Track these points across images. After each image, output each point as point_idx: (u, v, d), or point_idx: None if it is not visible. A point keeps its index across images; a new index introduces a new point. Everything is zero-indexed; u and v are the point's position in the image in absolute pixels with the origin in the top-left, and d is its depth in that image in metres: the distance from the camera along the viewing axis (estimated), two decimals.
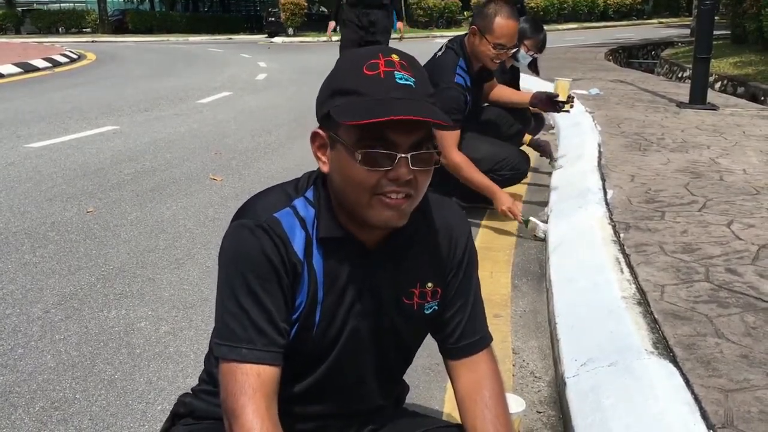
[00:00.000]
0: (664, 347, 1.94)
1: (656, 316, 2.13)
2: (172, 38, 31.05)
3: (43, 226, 3.71)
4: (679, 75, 11.65)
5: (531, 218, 3.43)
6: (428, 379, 2.12)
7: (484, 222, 3.73)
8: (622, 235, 2.90)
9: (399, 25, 6.75)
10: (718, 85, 9.67)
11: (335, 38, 8.09)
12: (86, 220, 3.81)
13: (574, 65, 11.51)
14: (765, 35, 11.31)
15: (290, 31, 30.64)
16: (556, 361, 2.16)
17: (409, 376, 1.44)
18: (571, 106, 3.93)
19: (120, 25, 36.93)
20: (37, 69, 13.50)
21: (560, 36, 22.91)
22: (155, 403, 2.02)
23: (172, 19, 40.23)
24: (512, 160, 3.67)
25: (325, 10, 37.79)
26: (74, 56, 16.83)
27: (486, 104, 4.01)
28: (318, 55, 17.40)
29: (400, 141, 1.07)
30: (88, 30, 38.20)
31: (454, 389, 1.32)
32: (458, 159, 3.42)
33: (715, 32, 7.21)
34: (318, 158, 1.15)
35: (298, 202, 1.18)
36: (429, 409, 1.96)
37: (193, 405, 1.32)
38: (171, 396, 2.00)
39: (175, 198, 4.28)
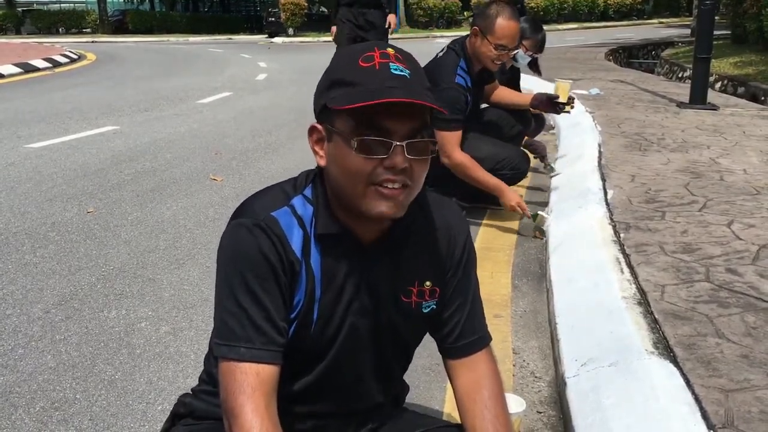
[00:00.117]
0: (664, 347, 1.94)
1: (656, 316, 2.13)
2: (172, 38, 31.06)
3: (44, 227, 3.71)
4: (680, 75, 11.65)
5: (539, 212, 3.45)
6: (428, 380, 2.12)
7: (484, 222, 3.72)
8: (622, 235, 2.90)
9: (390, 17, 6.52)
10: (718, 85, 9.67)
11: None
12: (86, 221, 3.81)
13: (575, 65, 11.51)
14: (765, 35, 11.31)
15: (290, 31, 30.64)
16: (557, 361, 2.16)
17: (409, 376, 1.44)
18: (572, 107, 3.93)
19: (120, 26, 36.93)
20: (37, 69, 13.51)
21: (560, 36, 22.91)
22: (155, 403, 2.02)
23: (172, 20, 40.23)
24: (513, 160, 3.68)
25: (325, 10, 37.84)
26: (74, 56, 16.83)
27: (486, 106, 4.02)
28: (318, 55, 17.39)
29: (395, 129, 1.07)
30: (88, 30, 38.21)
31: (453, 389, 1.32)
32: (462, 159, 3.43)
33: (715, 32, 7.21)
34: (315, 152, 1.16)
35: (297, 201, 1.19)
36: (429, 409, 1.95)
37: (193, 405, 1.32)
38: (171, 396, 2.00)
39: (175, 198, 4.28)
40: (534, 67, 4.51)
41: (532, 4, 34.48)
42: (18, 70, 12.79)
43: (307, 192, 1.20)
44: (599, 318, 2.24)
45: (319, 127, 1.15)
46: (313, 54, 18.37)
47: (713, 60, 7.78)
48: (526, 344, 2.39)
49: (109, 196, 4.32)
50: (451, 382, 1.33)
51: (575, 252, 2.90)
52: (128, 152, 5.64)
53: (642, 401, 1.70)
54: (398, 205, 1.12)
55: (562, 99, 3.85)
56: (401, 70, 1.09)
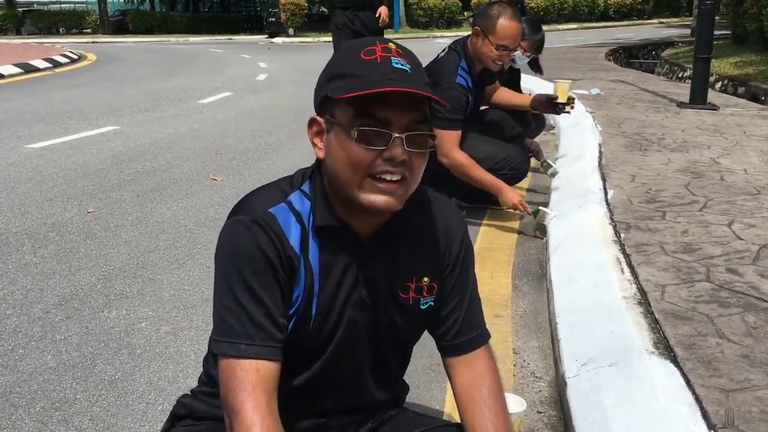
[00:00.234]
0: (664, 347, 1.94)
1: (657, 316, 2.13)
2: (173, 39, 31.06)
3: (44, 227, 3.71)
4: (680, 75, 11.64)
5: (540, 208, 3.47)
6: (429, 380, 2.12)
7: (484, 222, 3.72)
8: (622, 235, 2.90)
9: (382, 9, 6.24)
10: (718, 85, 9.66)
11: None
12: (87, 221, 3.81)
13: (575, 65, 11.51)
14: (766, 35, 11.30)
15: (290, 31, 30.63)
16: (557, 361, 2.16)
17: (409, 376, 1.44)
18: (572, 107, 3.93)
19: (120, 26, 36.92)
20: (37, 69, 13.51)
21: (561, 36, 22.91)
22: (156, 403, 2.02)
23: (173, 20, 40.22)
24: (512, 160, 3.68)
25: (326, 10, 37.77)
26: (75, 57, 16.83)
27: (486, 107, 4.02)
28: (318, 55, 17.39)
29: (394, 120, 1.08)
30: (89, 30, 38.20)
31: (452, 387, 1.32)
32: (461, 158, 3.43)
33: (715, 32, 7.21)
34: (314, 144, 1.17)
35: (294, 197, 1.19)
36: (429, 409, 1.95)
37: (193, 406, 1.32)
38: (171, 396, 2.00)
39: (175, 198, 4.28)
40: (535, 67, 4.51)
41: (533, 5, 34.47)
42: (18, 70, 12.80)
43: (305, 188, 1.20)
44: (600, 318, 2.24)
45: (319, 119, 1.15)
46: (314, 54, 18.36)
47: (713, 60, 7.78)
48: (527, 344, 2.39)
49: (109, 196, 4.32)
50: (450, 380, 1.33)
51: (576, 252, 2.90)
52: (128, 152, 5.64)
53: (642, 401, 1.70)
54: (396, 199, 1.12)
55: (562, 99, 3.86)
56: (402, 65, 1.10)
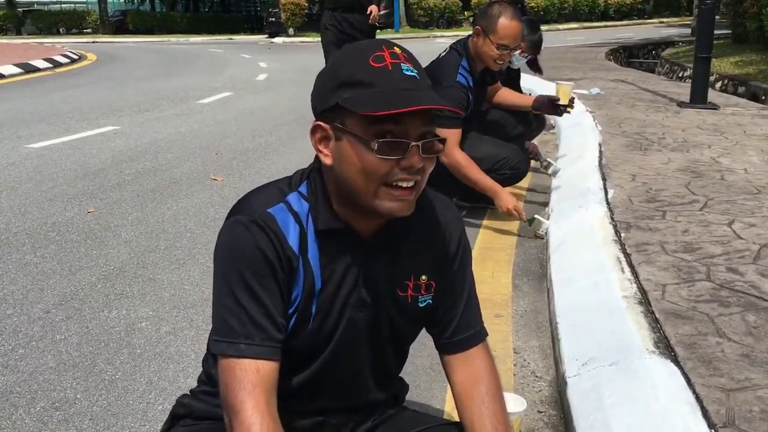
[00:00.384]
0: (665, 347, 1.94)
1: (657, 316, 2.12)
2: (173, 39, 31.05)
3: (44, 227, 3.71)
4: (680, 74, 11.64)
5: (536, 216, 3.43)
6: (429, 379, 2.12)
7: (484, 222, 3.72)
8: (623, 234, 2.89)
9: (372, 8, 6.14)
10: (718, 84, 9.66)
11: None
12: (87, 221, 3.81)
13: (575, 65, 11.50)
14: (766, 34, 11.30)
15: (291, 31, 30.61)
16: (557, 360, 2.16)
17: (410, 376, 1.45)
18: (572, 107, 3.93)
19: (120, 26, 36.91)
20: (37, 69, 13.51)
21: (561, 36, 22.90)
22: (156, 403, 2.02)
23: (173, 20, 40.21)
24: (512, 160, 3.68)
25: None
26: (75, 57, 16.83)
27: (486, 108, 4.02)
28: (318, 55, 17.36)
29: (410, 129, 1.08)
30: (89, 30, 38.20)
31: (450, 385, 1.32)
32: (460, 158, 3.42)
33: (715, 32, 7.20)
34: (319, 151, 1.15)
35: (292, 197, 1.19)
36: (430, 408, 1.95)
37: (192, 406, 1.32)
38: (172, 396, 2.00)
39: (175, 198, 4.28)
40: (534, 67, 4.51)
41: (533, 4, 34.46)
42: (19, 70, 12.79)
43: (303, 189, 1.20)
44: (600, 317, 2.24)
45: (325, 125, 1.13)
46: (314, 54, 18.33)
47: (714, 59, 7.78)
48: (527, 344, 2.39)
49: (109, 196, 4.32)
50: (449, 379, 1.33)
51: (576, 251, 2.90)
52: (129, 152, 5.64)
53: (643, 401, 1.70)
54: (409, 205, 1.13)
55: (564, 101, 3.86)
56: (411, 71, 1.10)
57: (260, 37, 31.35)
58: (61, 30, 37.79)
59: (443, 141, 1.13)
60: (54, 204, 4.13)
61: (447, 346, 1.32)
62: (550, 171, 4.34)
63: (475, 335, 1.33)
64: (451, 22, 36.23)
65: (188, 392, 1.38)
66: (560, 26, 32.56)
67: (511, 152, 3.75)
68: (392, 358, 1.33)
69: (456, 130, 3.42)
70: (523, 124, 4.19)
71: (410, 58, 1.12)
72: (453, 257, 1.29)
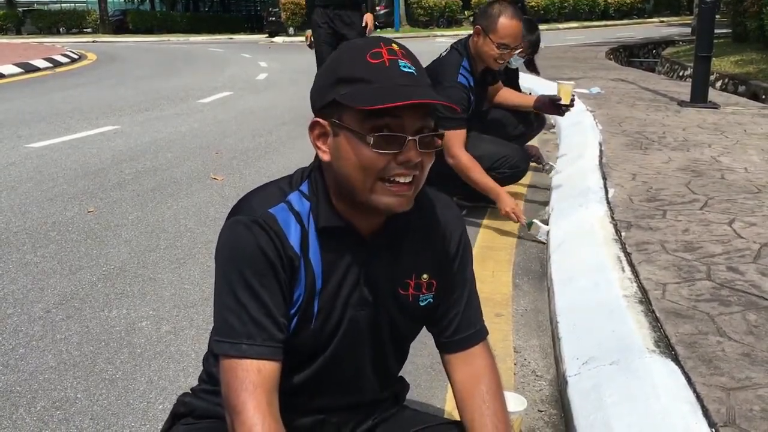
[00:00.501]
0: (665, 346, 1.93)
1: (658, 315, 2.12)
2: (173, 38, 31.05)
3: (44, 226, 3.71)
4: (680, 74, 11.63)
5: (534, 220, 3.42)
6: (430, 378, 2.12)
7: (485, 221, 3.72)
8: (623, 233, 2.89)
9: (367, 17, 6.05)
10: (719, 83, 9.65)
11: None
12: (87, 220, 3.81)
13: (575, 64, 11.50)
14: (766, 33, 11.29)
15: (291, 30, 30.61)
16: (558, 359, 2.16)
17: (410, 375, 1.45)
18: (572, 105, 3.93)
19: (120, 25, 36.93)
20: (38, 69, 13.51)
21: (561, 35, 22.86)
22: (156, 402, 2.02)
23: (173, 19, 40.23)
24: (512, 159, 3.68)
25: None
26: (75, 56, 16.83)
27: (487, 107, 4.02)
28: None
29: (407, 124, 1.08)
30: (89, 30, 38.24)
31: (451, 384, 1.33)
32: (465, 159, 3.42)
33: (716, 31, 7.20)
34: (318, 147, 1.16)
35: (293, 197, 1.19)
36: (431, 407, 1.95)
37: (193, 404, 1.32)
38: (172, 395, 2.00)
39: (176, 198, 4.28)
40: (531, 67, 4.51)
41: (533, 3, 34.43)
42: (19, 70, 12.80)
43: (304, 188, 1.20)
44: (600, 317, 2.24)
45: (323, 122, 1.14)
46: (314, 54, 18.34)
47: (714, 58, 7.77)
48: (527, 343, 2.39)
49: (109, 195, 4.32)
50: (449, 377, 1.33)
51: (576, 251, 2.90)
52: (129, 152, 5.64)
53: (643, 400, 1.70)
54: (407, 200, 1.13)
55: (565, 101, 3.85)
56: (409, 67, 1.10)
57: (260, 37, 31.36)
58: (61, 30, 37.82)
59: (441, 136, 1.13)
60: (54, 203, 4.13)
61: (448, 345, 1.32)
62: (550, 175, 4.34)
63: (476, 334, 1.33)
64: (451, 22, 36.21)
65: (189, 391, 1.38)
66: (560, 25, 32.56)
67: (511, 151, 3.74)
68: (393, 356, 1.33)
69: (460, 131, 3.42)
70: (524, 124, 4.19)
71: (408, 55, 1.12)
72: (454, 256, 1.29)
